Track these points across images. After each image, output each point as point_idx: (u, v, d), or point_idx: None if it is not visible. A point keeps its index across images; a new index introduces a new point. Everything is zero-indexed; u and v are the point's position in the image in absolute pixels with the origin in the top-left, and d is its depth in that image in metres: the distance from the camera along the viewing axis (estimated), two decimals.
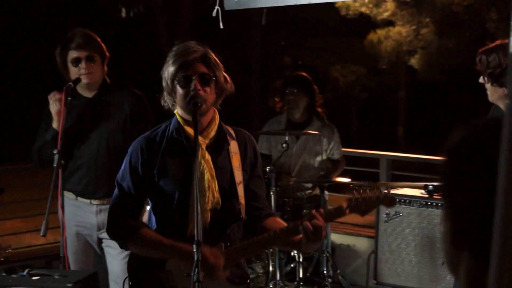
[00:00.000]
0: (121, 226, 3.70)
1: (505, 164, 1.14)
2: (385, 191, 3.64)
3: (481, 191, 1.38)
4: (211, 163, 3.63)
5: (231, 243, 3.64)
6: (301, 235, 3.49)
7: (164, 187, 3.67)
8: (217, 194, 3.63)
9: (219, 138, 3.71)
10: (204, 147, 3.63)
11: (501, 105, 4.32)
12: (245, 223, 3.81)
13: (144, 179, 3.69)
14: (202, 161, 3.60)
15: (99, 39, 5.11)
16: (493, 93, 4.31)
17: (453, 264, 1.50)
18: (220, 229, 3.64)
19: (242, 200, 3.70)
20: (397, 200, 6.41)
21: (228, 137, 3.73)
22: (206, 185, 3.60)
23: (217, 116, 3.74)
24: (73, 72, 5.02)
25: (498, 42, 4.28)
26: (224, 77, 3.69)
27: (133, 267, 3.81)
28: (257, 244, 3.61)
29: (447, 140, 1.51)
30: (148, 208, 4.09)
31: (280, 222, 3.77)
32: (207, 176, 3.60)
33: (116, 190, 3.78)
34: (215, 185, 3.63)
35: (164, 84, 3.64)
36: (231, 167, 3.69)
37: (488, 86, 4.31)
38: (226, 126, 3.79)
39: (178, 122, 3.70)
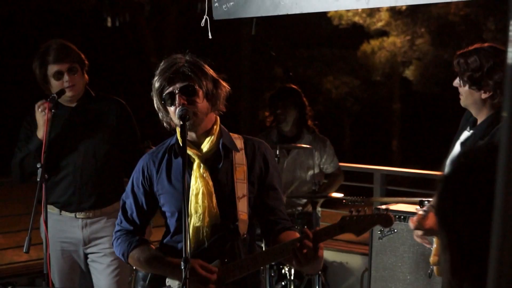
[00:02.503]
0: (121, 242, 3.71)
1: (503, 173, 1.13)
2: (383, 208, 3.48)
3: (482, 221, 1.37)
4: (208, 178, 3.53)
5: (231, 259, 3.52)
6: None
7: (164, 204, 3.67)
8: (215, 210, 3.52)
9: (219, 149, 3.59)
10: (200, 161, 3.54)
11: (473, 110, 4.16)
12: (264, 236, 3.80)
13: (146, 197, 3.70)
14: (198, 177, 3.52)
15: (75, 48, 5.03)
16: (468, 97, 4.10)
17: None
18: (219, 245, 3.53)
19: (243, 215, 3.55)
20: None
21: (232, 148, 3.61)
22: (201, 201, 3.51)
23: (217, 127, 3.62)
24: (55, 85, 4.92)
25: (477, 45, 4.09)
26: (214, 81, 3.56)
27: (140, 282, 3.78)
28: (253, 261, 3.50)
29: (440, 171, 1.48)
30: None
31: (292, 236, 3.58)
32: (201, 191, 3.50)
33: (120, 208, 3.81)
34: (213, 201, 3.52)
35: (155, 106, 3.56)
36: (233, 180, 3.56)
37: (463, 89, 4.11)
38: (235, 135, 3.70)
39: (176, 139, 3.62)
